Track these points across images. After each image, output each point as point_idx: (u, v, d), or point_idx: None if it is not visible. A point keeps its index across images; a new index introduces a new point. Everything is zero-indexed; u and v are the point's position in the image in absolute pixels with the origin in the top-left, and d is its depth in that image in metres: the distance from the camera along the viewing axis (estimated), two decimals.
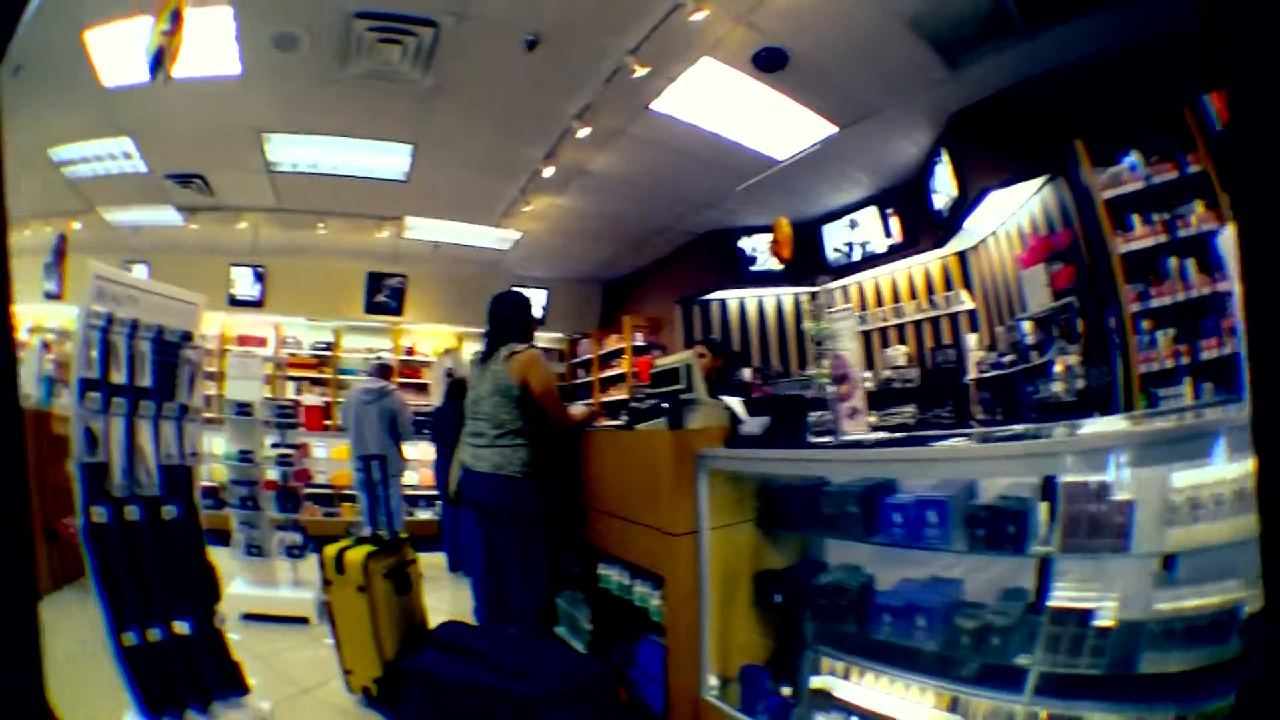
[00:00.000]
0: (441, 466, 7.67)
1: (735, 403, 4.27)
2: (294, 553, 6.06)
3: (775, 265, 8.89)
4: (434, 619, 4.56)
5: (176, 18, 5.35)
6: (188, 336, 3.76)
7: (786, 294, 9.39)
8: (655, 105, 6.76)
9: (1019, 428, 4.42)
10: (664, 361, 4.92)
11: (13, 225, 8.53)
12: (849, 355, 5.62)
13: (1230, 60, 1.75)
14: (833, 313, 6.24)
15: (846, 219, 8.36)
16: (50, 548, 5.83)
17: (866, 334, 8.21)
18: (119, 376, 3.39)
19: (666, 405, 4.37)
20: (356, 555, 4.02)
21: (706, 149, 7.42)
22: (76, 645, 4.62)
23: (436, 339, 11.33)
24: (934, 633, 2.91)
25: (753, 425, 4.01)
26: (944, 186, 6.93)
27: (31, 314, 14.53)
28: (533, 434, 4.42)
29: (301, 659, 4.84)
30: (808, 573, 3.62)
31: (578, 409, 6.02)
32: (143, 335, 3.51)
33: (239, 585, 5.70)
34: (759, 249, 9.01)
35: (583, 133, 7.02)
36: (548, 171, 7.54)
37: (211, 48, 6.16)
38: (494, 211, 8.52)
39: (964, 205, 6.73)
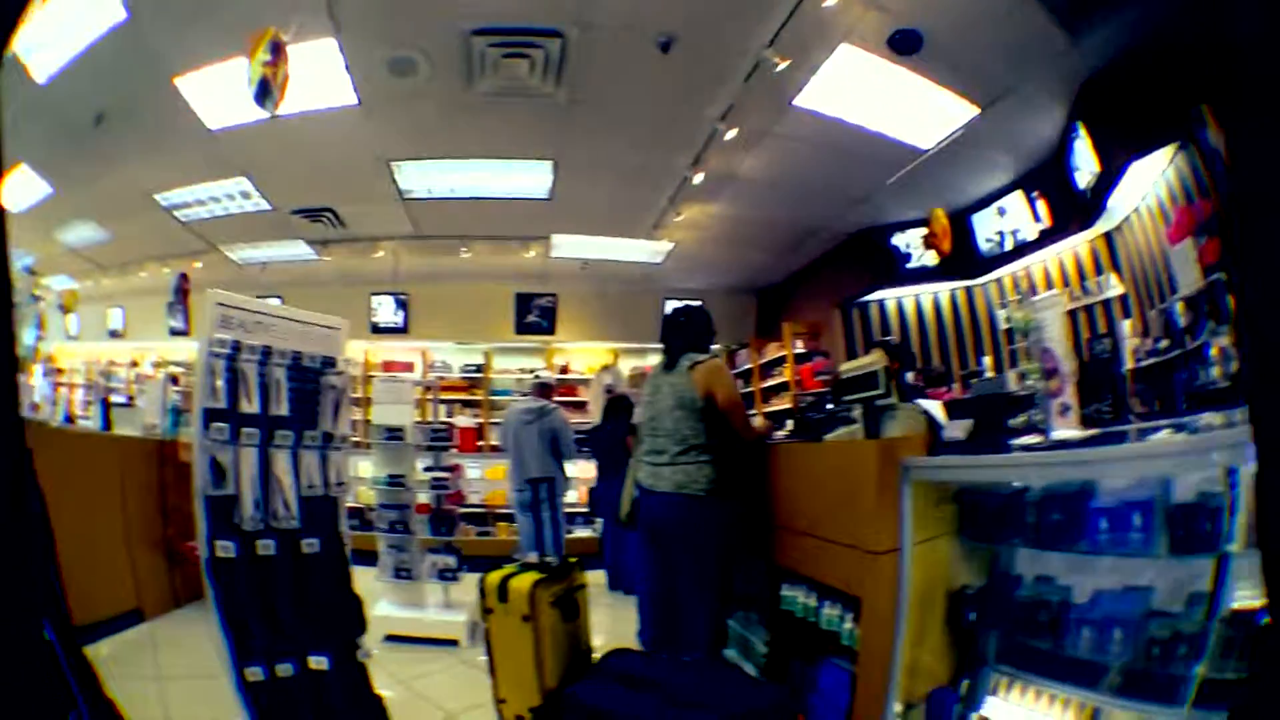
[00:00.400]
0: (602, 485, 7.65)
1: (933, 406, 3.90)
2: (447, 576, 5.94)
3: (931, 260, 8.47)
4: (594, 638, 4.27)
5: (276, 48, 5.33)
6: (330, 362, 3.53)
7: (943, 290, 8.96)
8: (798, 101, 6.43)
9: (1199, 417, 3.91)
10: (851, 366, 4.54)
11: (126, 269, 8.80)
12: (1057, 347, 5.11)
13: None
14: (1038, 301, 5.74)
15: (995, 206, 7.93)
16: (172, 568, 6.07)
17: (1010, 331, 7.82)
18: (250, 405, 3.24)
19: (848, 413, 4.02)
20: (522, 583, 3.72)
21: (853, 143, 7.05)
22: (192, 664, 4.59)
23: (590, 356, 11.32)
24: (1129, 646, 2.59)
25: (955, 429, 3.67)
26: (1085, 163, 6.44)
27: (155, 349, 15.23)
28: (717, 450, 4.13)
29: (446, 683, 4.73)
30: (1003, 587, 3.24)
31: (759, 421, 5.67)
32: (277, 362, 3.34)
33: (383, 607, 5.67)
34: (913, 244, 8.60)
35: (730, 134, 6.71)
36: (697, 178, 7.26)
37: (322, 80, 6.17)
38: (644, 224, 8.34)
39: (1107, 181, 6.26)
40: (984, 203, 8.02)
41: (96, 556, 5.39)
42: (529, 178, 7.57)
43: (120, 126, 7.93)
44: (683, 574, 4.15)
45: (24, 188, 10.67)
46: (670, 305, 9.87)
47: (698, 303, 4.87)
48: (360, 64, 6.07)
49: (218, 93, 6.83)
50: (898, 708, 3.18)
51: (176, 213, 10.11)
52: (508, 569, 3.91)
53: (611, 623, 5.55)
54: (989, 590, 3.33)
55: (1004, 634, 3.10)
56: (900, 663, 3.19)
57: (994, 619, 3.16)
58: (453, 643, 5.41)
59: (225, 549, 3.08)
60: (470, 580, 5.90)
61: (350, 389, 3.54)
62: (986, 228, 8.04)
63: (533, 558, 4.07)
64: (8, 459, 1.34)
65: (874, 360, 4.15)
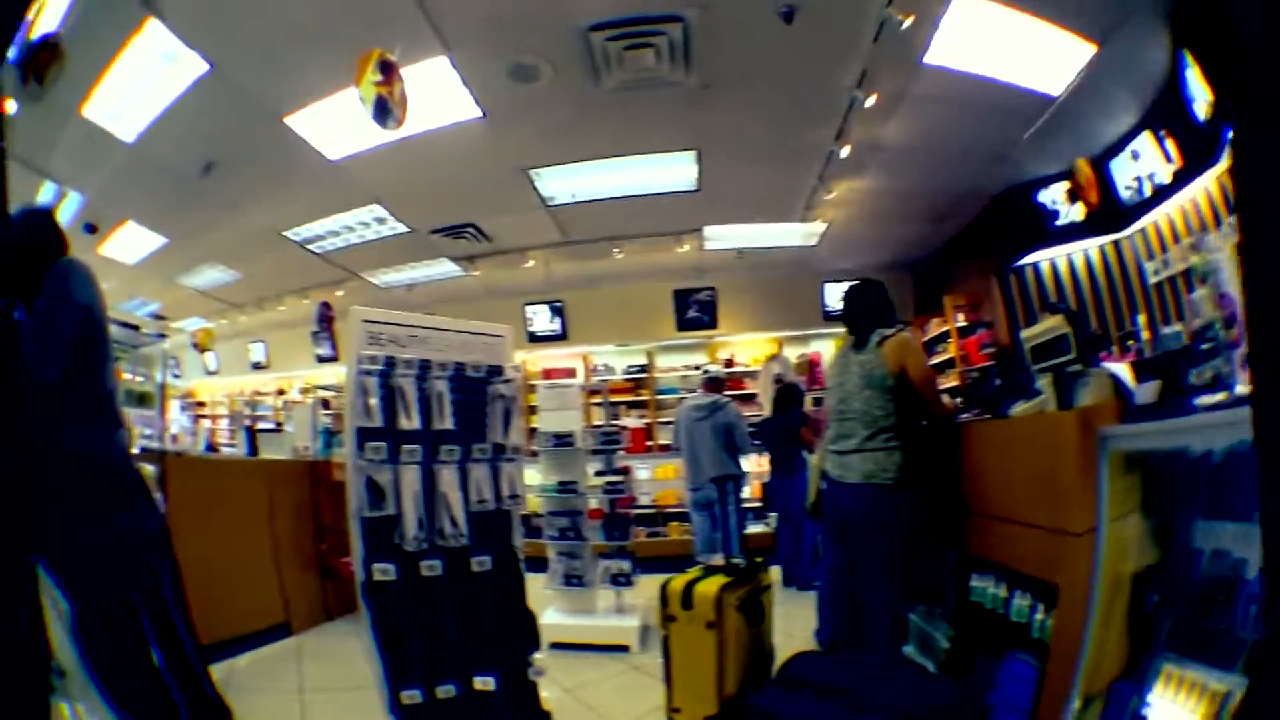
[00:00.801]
0: (775, 479, 7.53)
1: (1119, 369, 3.62)
2: (620, 581, 5.86)
3: (1078, 215, 8.01)
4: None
5: (386, 66, 5.35)
6: (497, 371, 3.43)
7: (1091, 246, 8.46)
8: (928, 58, 6.09)
9: None
10: (1033, 333, 4.22)
11: (264, 304, 8.99)
12: (1234, 290, 4.74)
13: None
14: (1208, 242, 5.34)
15: (1128, 151, 7.36)
16: (325, 583, 6.24)
17: (1159, 285, 7.15)
18: (410, 421, 3.16)
19: (1030, 384, 3.77)
20: (709, 588, 3.56)
21: (986, 97, 6.68)
22: (337, 677, 4.79)
23: (754, 348, 11.16)
24: None
25: (1146, 393, 3.38)
26: (1198, 92, 5.85)
27: (302, 376, 15.73)
28: (907, 433, 3.94)
29: (613, 691, 4.61)
30: (1184, 565, 2.92)
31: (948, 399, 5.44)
32: (437, 374, 3.25)
33: (551, 615, 5.65)
34: (1059, 200, 8.15)
35: (869, 101, 6.40)
36: (844, 152, 6.92)
37: (441, 97, 6.17)
38: (796, 205, 8.02)
39: (1221, 110, 5.68)
40: (1117, 148, 7.38)
41: (244, 573, 5.62)
42: (673, 170, 7.41)
43: (233, 171, 8.22)
44: (868, 568, 3.95)
45: (134, 241, 11.13)
46: (830, 288, 9.76)
47: (873, 279, 4.61)
48: (478, 77, 6.04)
49: (334, 125, 6.96)
50: (1076, 704, 2.98)
51: (310, 246, 10.37)
52: (691, 573, 3.77)
53: (785, 621, 5.41)
54: (1169, 569, 3.04)
55: (1183, 617, 2.85)
56: (1088, 652, 2.99)
57: (1174, 601, 2.90)
58: (623, 648, 5.31)
59: (384, 572, 3.04)
60: (645, 584, 5.85)
61: (520, 398, 3.43)
62: (1124, 175, 7.43)
63: (718, 560, 3.94)
64: (8, 458, 1.35)
65: (1054, 325, 3.86)
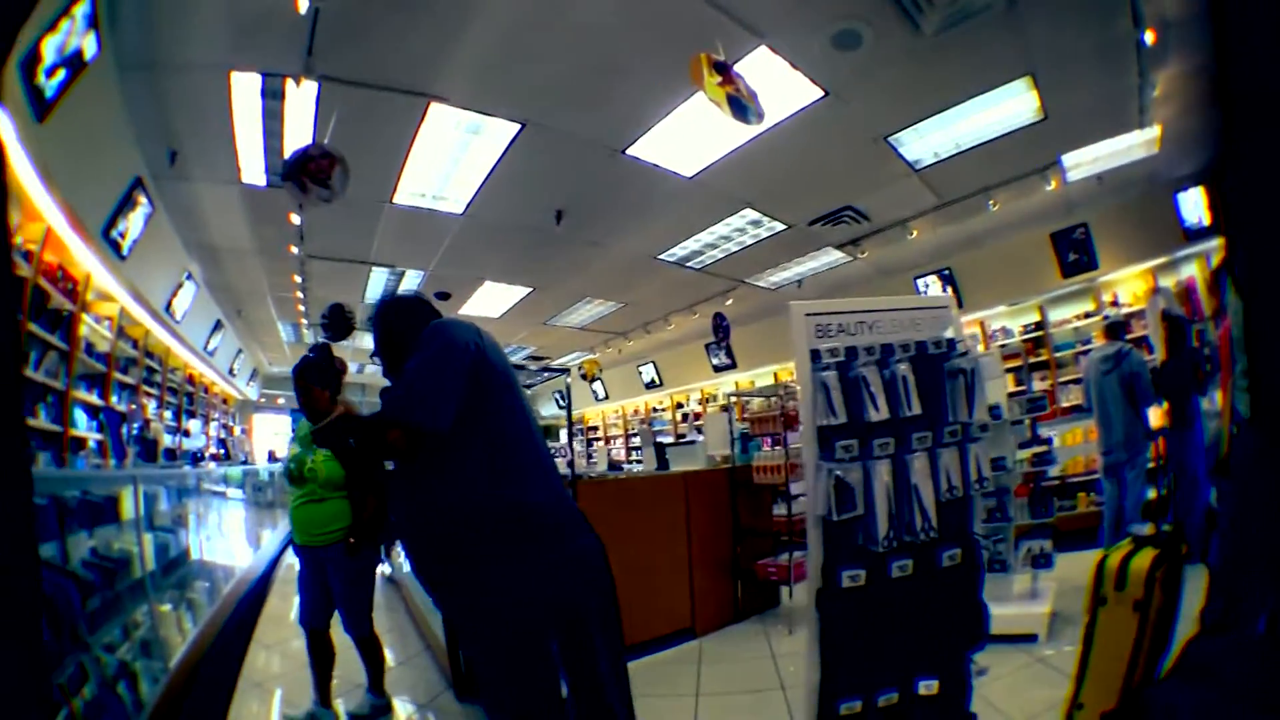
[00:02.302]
0: (1173, 432, 6.54)
1: None
2: (1040, 562, 5.38)
3: None
4: None
5: (721, 66, 5.28)
6: (950, 344, 3.20)
7: None
8: None
9: None
10: None
11: (650, 327, 9.30)
12: None
13: None
14: None
15: None
16: (741, 584, 6.38)
17: None
18: (879, 413, 2.94)
19: None
20: (1141, 562, 3.11)
21: None
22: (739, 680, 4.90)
23: (1133, 283, 10.18)
24: None
25: None
26: None
27: (698, 388, 16.31)
28: None
29: (1010, 686, 4.17)
30: None
31: None
32: (900, 357, 3.03)
33: None
34: None
35: None
36: (1149, 38, 5.92)
37: (776, 87, 6.07)
38: (1129, 112, 7.18)
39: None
40: None
41: (657, 581, 5.80)
42: (1016, 102, 6.87)
43: (587, 212, 8.76)
44: None
45: (496, 297, 12.12)
46: (1182, 198, 8.80)
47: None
48: (804, 55, 5.89)
49: (674, 145, 7.17)
50: None
51: (689, 264, 10.85)
52: (1123, 546, 3.34)
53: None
54: None
55: None
56: None
57: None
58: (1031, 638, 4.84)
59: (854, 578, 2.86)
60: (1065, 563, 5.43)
61: (979, 369, 3.18)
62: None
63: (1147, 530, 3.48)
64: (8, 458, 1.32)
65: None
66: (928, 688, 3.00)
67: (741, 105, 5.32)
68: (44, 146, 5.54)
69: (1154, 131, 7.64)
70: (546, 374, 5.49)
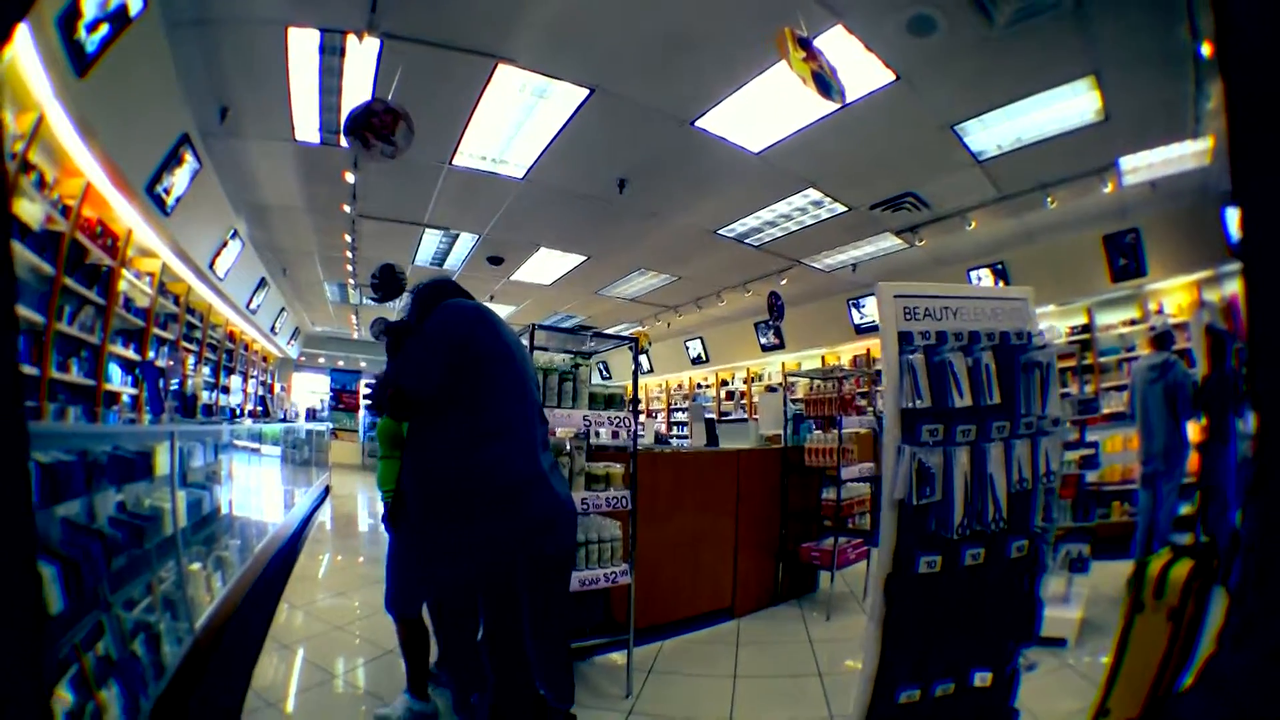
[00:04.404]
0: (1213, 449, 6.34)
1: None
2: (1077, 566, 5.31)
3: None
4: None
5: (805, 42, 5.16)
6: (1027, 336, 3.16)
7: None
8: None
9: None
10: None
11: (701, 302, 9.27)
12: None
13: None
14: None
15: None
16: (782, 567, 6.30)
17: None
18: (963, 399, 2.90)
19: None
20: (1180, 571, 3.05)
21: None
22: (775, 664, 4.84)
23: (1177, 294, 10.03)
24: None
25: None
26: None
27: (745, 366, 16.23)
28: None
29: (1037, 690, 3.91)
30: None
31: None
32: (984, 345, 3.00)
33: None
34: None
35: None
36: (1205, 50, 5.70)
37: (850, 67, 5.94)
38: (1185, 121, 7.06)
39: None
40: None
41: (700, 557, 5.75)
42: (1079, 101, 6.74)
43: (651, 182, 8.65)
44: None
45: (550, 264, 12.16)
46: (1230, 213, 8.39)
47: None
48: (879, 37, 5.80)
49: (743, 120, 7.08)
50: None
51: (747, 240, 10.77)
52: (1163, 554, 3.28)
53: None
54: None
55: None
56: None
57: None
58: (1060, 642, 4.77)
59: (930, 564, 2.82)
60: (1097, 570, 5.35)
61: (1055, 362, 3.13)
62: None
63: (1186, 539, 3.42)
64: (8, 458, 1.32)
65: None
66: (982, 679, 2.98)
67: (825, 82, 5.23)
68: (84, 102, 5.55)
69: (1207, 143, 7.53)
70: (611, 341, 5.43)
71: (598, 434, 5.42)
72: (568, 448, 4.29)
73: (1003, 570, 2.98)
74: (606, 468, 4.43)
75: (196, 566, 4.82)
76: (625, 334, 17.88)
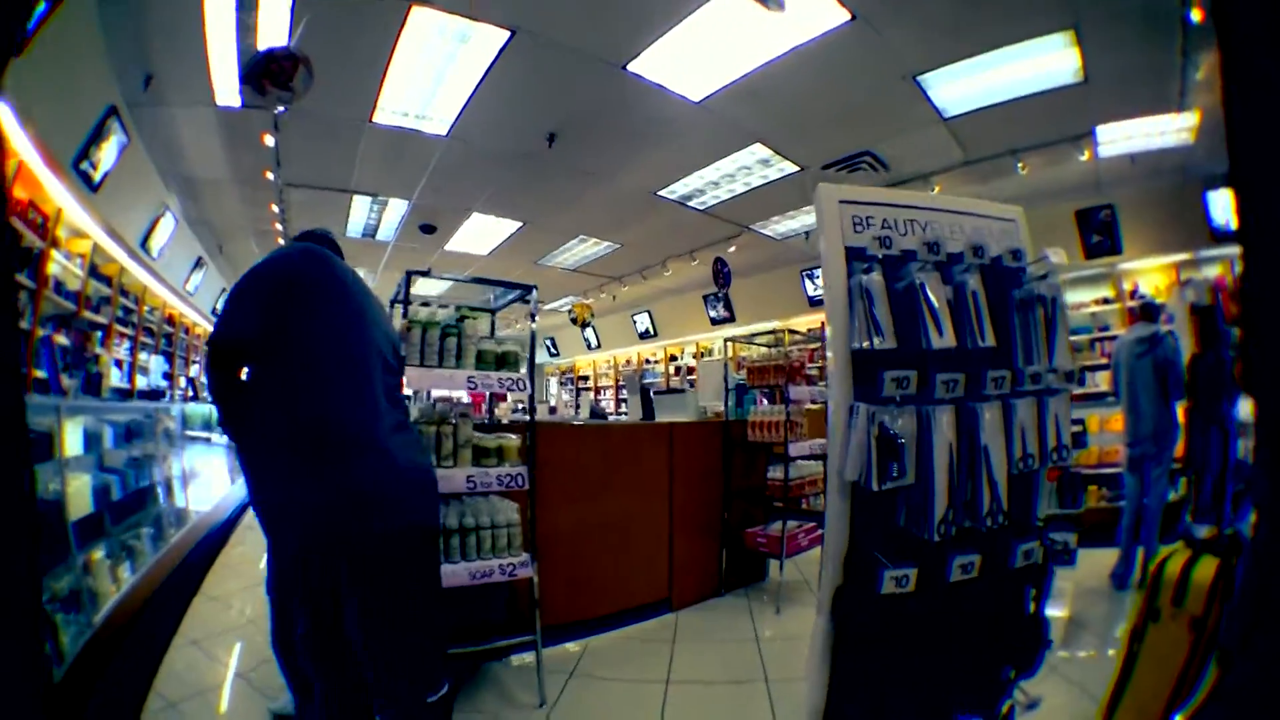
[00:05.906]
0: (1198, 432, 6.08)
1: None
2: (1062, 558, 4.81)
3: None
4: None
5: None
6: (1017, 254, 2.46)
7: None
8: None
9: None
10: None
11: (647, 273, 8.79)
12: None
13: None
14: None
15: None
16: (727, 554, 6.08)
17: None
18: (942, 338, 2.09)
19: None
20: (1204, 573, 2.46)
21: None
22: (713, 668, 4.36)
23: (1154, 275, 9.86)
24: None
25: None
26: None
27: (693, 340, 16.05)
28: None
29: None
30: None
31: None
32: (966, 267, 2.24)
33: None
34: None
35: None
36: (1195, 15, 5.44)
37: (801, 5, 5.60)
38: (1169, 92, 6.68)
39: None
40: None
41: (625, 542, 5.36)
42: (1054, 57, 6.28)
43: (583, 136, 8.12)
44: None
45: (484, 231, 11.66)
46: (1212, 197, 8.50)
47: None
48: None
49: (682, 62, 6.53)
50: None
51: (691, 203, 10.30)
52: (1180, 551, 2.67)
53: None
54: None
55: None
56: None
57: None
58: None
59: (901, 580, 2.07)
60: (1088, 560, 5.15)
61: (1063, 297, 2.42)
62: None
63: (1205, 532, 2.84)
64: (8, 456, 1.35)
65: None
66: None
67: None
68: (20, 80, 5.26)
69: (1193, 118, 7.25)
70: (510, 292, 4.94)
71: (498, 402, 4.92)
72: (451, 415, 3.77)
73: (1004, 583, 2.35)
74: (499, 439, 3.87)
75: (99, 555, 4.56)
76: (553, 308, 17.58)
